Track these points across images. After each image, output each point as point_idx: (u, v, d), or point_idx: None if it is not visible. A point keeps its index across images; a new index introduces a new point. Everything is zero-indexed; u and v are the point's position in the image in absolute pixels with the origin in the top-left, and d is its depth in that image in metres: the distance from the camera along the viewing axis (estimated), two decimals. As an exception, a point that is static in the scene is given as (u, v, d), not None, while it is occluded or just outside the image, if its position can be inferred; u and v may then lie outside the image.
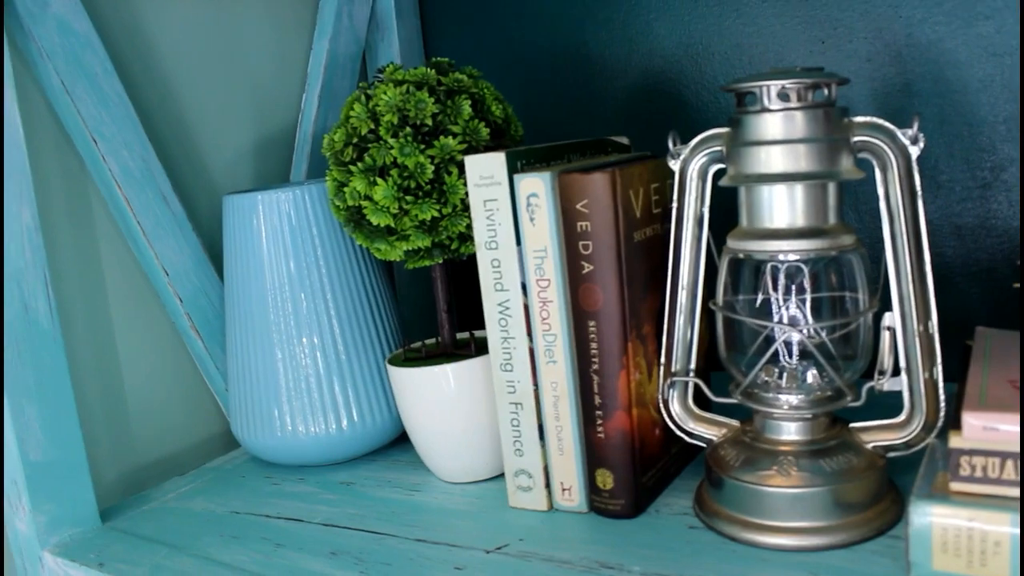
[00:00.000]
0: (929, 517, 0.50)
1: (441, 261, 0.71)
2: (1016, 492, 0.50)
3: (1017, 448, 0.50)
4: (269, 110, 0.95)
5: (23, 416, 0.67)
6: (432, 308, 0.75)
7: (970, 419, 0.51)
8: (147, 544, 0.69)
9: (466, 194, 0.66)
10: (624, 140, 0.76)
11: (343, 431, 0.77)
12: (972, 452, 0.51)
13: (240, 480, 0.81)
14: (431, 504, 0.70)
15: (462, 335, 0.78)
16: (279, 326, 0.77)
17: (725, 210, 0.63)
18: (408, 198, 0.66)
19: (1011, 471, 0.50)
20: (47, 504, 0.69)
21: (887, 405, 0.61)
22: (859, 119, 0.57)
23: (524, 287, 0.63)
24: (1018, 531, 0.48)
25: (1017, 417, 0.50)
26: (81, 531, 0.71)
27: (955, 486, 0.51)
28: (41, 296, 0.69)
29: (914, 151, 0.56)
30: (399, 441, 0.84)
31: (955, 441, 0.51)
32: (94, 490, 0.73)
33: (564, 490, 0.65)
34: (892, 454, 0.60)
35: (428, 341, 0.77)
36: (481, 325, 0.78)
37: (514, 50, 1.02)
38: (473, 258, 0.68)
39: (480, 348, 0.72)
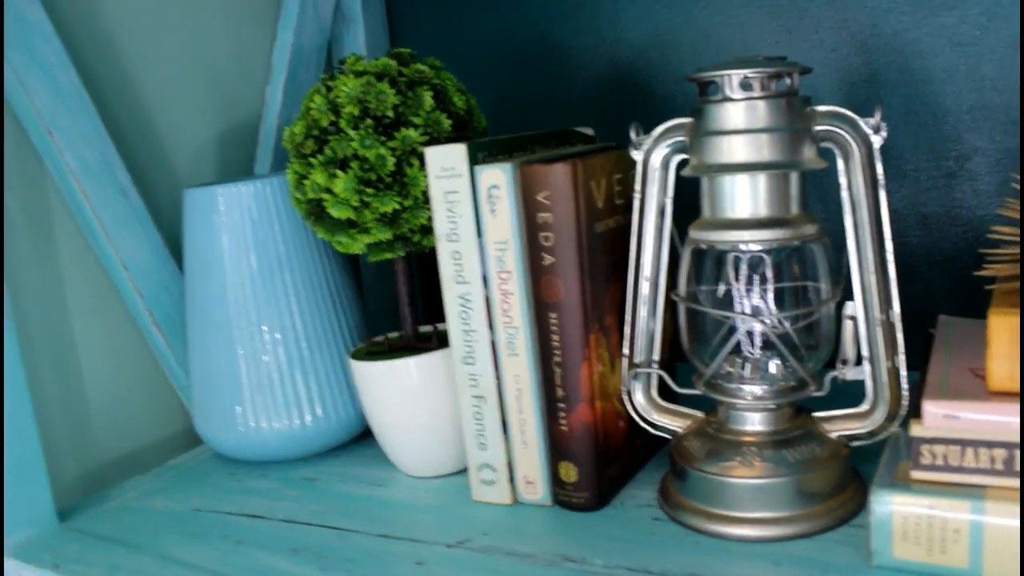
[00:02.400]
0: (890, 505, 0.50)
1: (403, 254, 0.70)
2: (977, 480, 0.50)
3: (978, 436, 0.50)
4: (232, 102, 0.94)
5: (-23, 414, 0.66)
6: (397, 302, 0.75)
7: (931, 407, 0.51)
8: (105, 544, 0.68)
9: (427, 186, 0.65)
10: (589, 131, 0.76)
11: (306, 426, 0.76)
12: (933, 440, 0.51)
13: (202, 477, 0.79)
14: (394, 499, 0.70)
15: (425, 328, 0.78)
16: (240, 321, 0.76)
17: (687, 201, 0.62)
18: (369, 191, 0.65)
19: (971, 459, 0.50)
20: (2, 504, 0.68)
21: (850, 394, 0.61)
22: (821, 108, 0.57)
23: (485, 279, 0.62)
24: (979, 518, 0.48)
25: (979, 405, 0.50)
26: (38, 532, 0.70)
27: (916, 474, 0.51)
28: (-5, 292, 0.67)
29: (876, 140, 0.56)
30: (363, 436, 0.83)
31: (916, 430, 0.51)
32: (52, 489, 0.71)
33: (528, 483, 0.64)
34: (855, 443, 0.60)
35: (391, 335, 0.77)
36: (442, 319, 0.78)
37: (481, 41, 1.01)
38: (433, 252, 0.67)
39: (443, 341, 0.71)
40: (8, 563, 0.67)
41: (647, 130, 0.61)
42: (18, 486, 0.69)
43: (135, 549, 0.66)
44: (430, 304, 0.96)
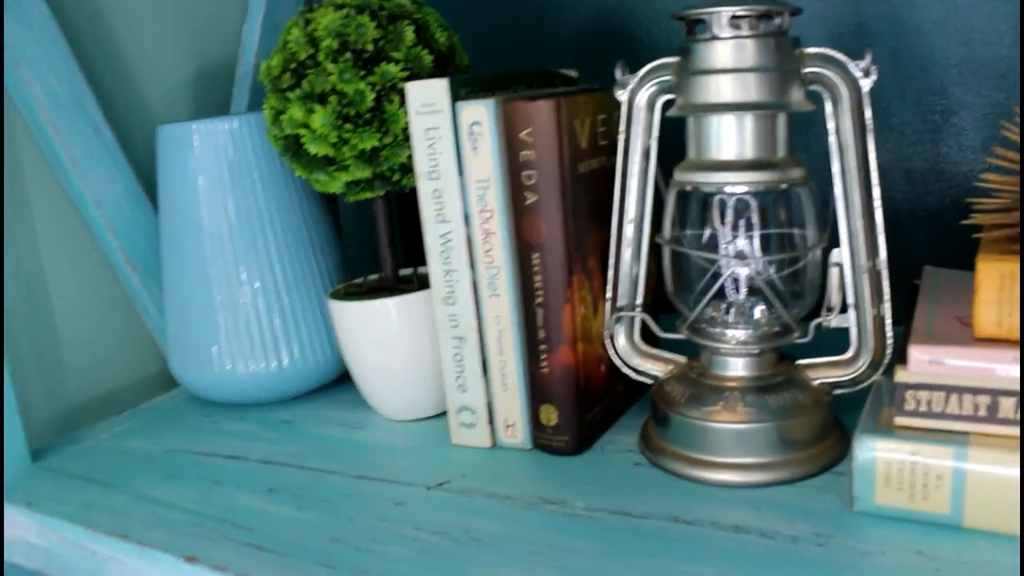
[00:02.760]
0: (873, 452, 0.50)
1: (383, 193, 0.69)
2: (960, 426, 0.50)
3: (963, 383, 0.49)
4: (208, 40, 0.91)
5: (-56, 351, 0.64)
6: (377, 245, 0.74)
7: (916, 353, 0.50)
8: (78, 483, 0.67)
9: (408, 123, 0.64)
10: (573, 73, 0.74)
11: (283, 368, 0.75)
12: (917, 386, 0.50)
13: (178, 419, 0.78)
14: (372, 441, 0.69)
15: (405, 271, 0.77)
16: (217, 261, 0.74)
17: (672, 145, 0.61)
18: (347, 126, 0.63)
19: (955, 405, 0.50)
20: (-28, 442, 0.67)
21: (834, 343, 0.60)
22: (811, 50, 0.56)
23: (467, 218, 0.61)
24: (962, 465, 0.48)
25: (964, 351, 0.49)
26: (10, 471, 0.69)
27: (900, 421, 0.51)
28: (-37, 226, 0.66)
29: (866, 84, 0.55)
30: (341, 379, 0.82)
31: (901, 375, 0.51)
32: (24, 429, 0.70)
33: (507, 427, 0.64)
34: (838, 391, 0.59)
35: (370, 277, 0.75)
36: (422, 262, 0.76)
37: (463, -19, 0.99)
38: (413, 193, 0.66)
39: (423, 284, 0.70)
40: (-23, 501, 0.66)
41: (632, 72, 0.60)
42: (-13, 424, 0.67)
43: (109, 488, 0.65)
44: (409, 247, 0.95)
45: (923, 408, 0.50)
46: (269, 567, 0.52)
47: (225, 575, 0.52)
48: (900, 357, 0.52)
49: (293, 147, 0.66)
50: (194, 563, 0.54)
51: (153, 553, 0.56)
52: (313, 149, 0.64)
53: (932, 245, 0.82)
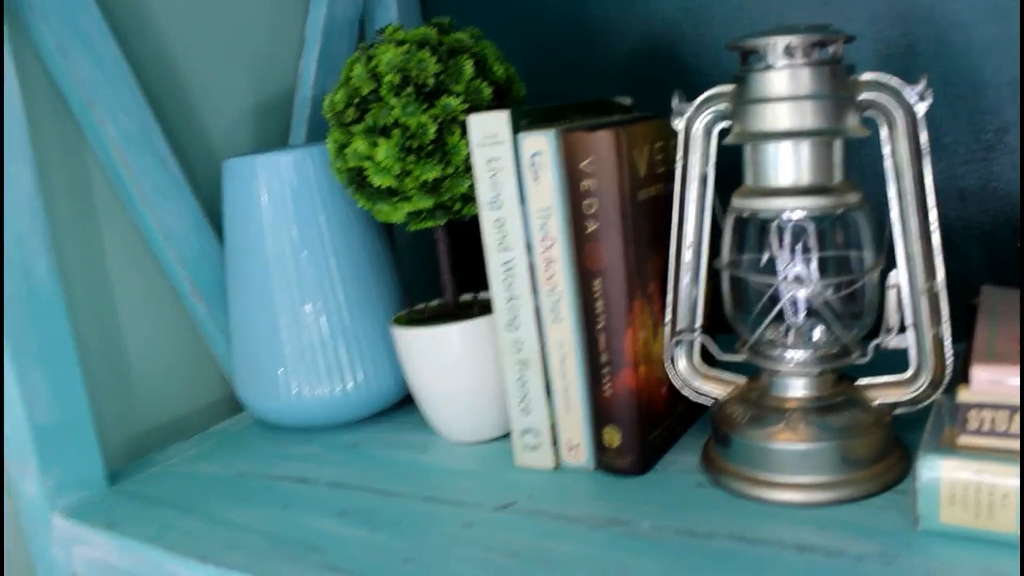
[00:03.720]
0: (938, 471, 0.51)
1: (443, 223, 0.71)
2: (1023, 445, 0.50)
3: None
4: (267, 74, 0.94)
5: (28, 379, 0.67)
6: (431, 272, 0.75)
7: (979, 373, 0.51)
8: (155, 506, 0.69)
9: (469, 154, 0.66)
10: (627, 101, 0.76)
11: (348, 393, 0.77)
12: (980, 406, 0.51)
13: (245, 443, 0.81)
14: (437, 464, 0.70)
15: (465, 297, 0.78)
16: (282, 290, 0.77)
17: (729, 171, 0.63)
18: (410, 158, 0.65)
19: (1019, 424, 0.50)
20: (55, 467, 0.69)
21: (893, 364, 0.61)
22: (865, 76, 0.57)
23: (528, 246, 0.63)
24: (1026, 483, 0.49)
25: None
26: (89, 493, 0.71)
27: (963, 440, 0.51)
28: (42, 260, 0.68)
29: (920, 108, 0.56)
30: (404, 403, 0.84)
31: (964, 395, 0.51)
32: (101, 453, 0.73)
33: (571, 448, 0.65)
34: (898, 411, 0.60)
35: (432, 303, 0.77)
36: (480, 288, 0.78)
37: (512, 14, 1.01)
38: (472, 221, 0.68)
39: (484, 310, 0.72)
40: (62, 523, 0.68)
41: (688, 100, 0.61)
42: (69, 449, 0.70)
43: (185, 511, 0.67)
44: (465, 274, 0.97)
45: (986, 427, 0.51)
46: (345, 588, 0.54)
47: (302, 596, 0.54)
48: (961, 377, 0.52)
49: (357, 179, 0.69)
50: (272, 584, 0.56)
51: (232, 575, 0.58)
52: (377, 181, 0.66)
53: (986, 263, 0.82)
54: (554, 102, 0.67)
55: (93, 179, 0.79)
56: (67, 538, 0.69)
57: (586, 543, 0.56)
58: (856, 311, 0.61)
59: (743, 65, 0.58)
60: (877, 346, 0.60)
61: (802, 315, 0.60)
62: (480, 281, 0.78)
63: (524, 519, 0.60)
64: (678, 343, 0.65)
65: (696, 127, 0.61)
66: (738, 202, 0.59)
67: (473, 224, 0.71)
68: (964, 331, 0.60)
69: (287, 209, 0.76)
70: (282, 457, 0.76)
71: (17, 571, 0.74)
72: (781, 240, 0.59)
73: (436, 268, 0.75)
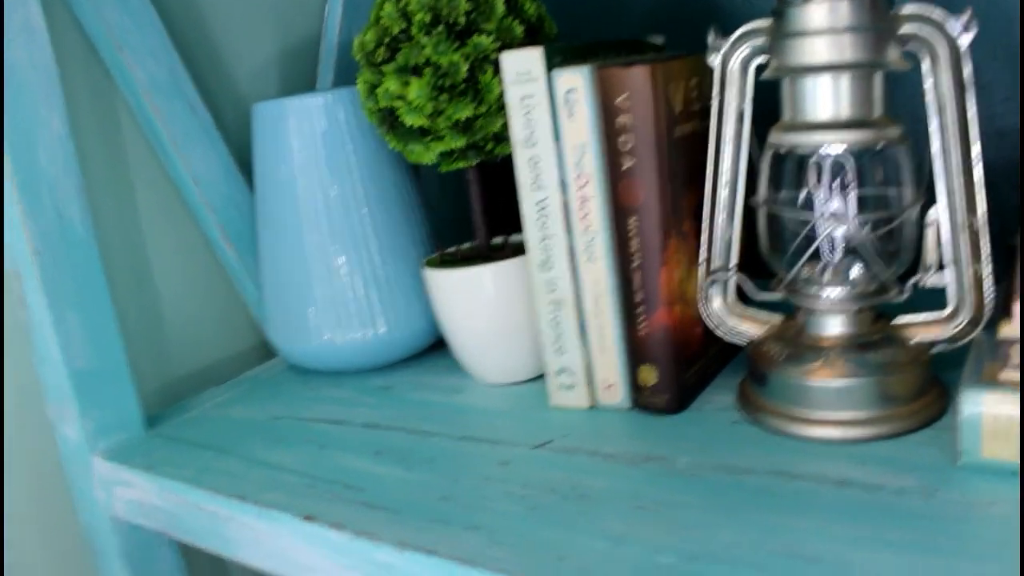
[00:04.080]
0: (980, 405, 0.50)
1: (475, 163, 0.70)
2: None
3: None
4: (292, 19, 0.94)
5: (65, 324, 0.67)
6: (462, 214, 0.75)
7: (1021, 308, 0.50)
8: (193, 448, 0.70)
9: (501, 93, 0.65)
10: (659, 40, 0.75)
11: (379, 336, 0.78)
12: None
13: (278, 387, 0.81)
14: (471, 405, 0.71)
15: (497, 239, 0.78)
16: (312, 233, 0.77)
17: (764, 110, 0.62)
18: (443, 97, 0.65)
19: (1061, 358, 0.50)
20: (94, 410, 0.70)
21: (931, 302, 0.61)
22: (907, 9, 0.56)
23: (563, 184, 0.62)
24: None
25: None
26: (127, 436, 0.72)
27: (1005, 375, 0.51)
28: (74, 204, 0.68)
29: (964, 41, 0.55)
30: (435, 347, 0.84)
31: (1005, 331, 0.51)
32: (137, 398, 0.73)
33: (606, 387, 0.65)
34: (936, 349, 0.60)
35: (463, 245, 0.77)
36: (511, 230, 0.78)
37: (540, -47, 0.99)
38: (502, 164, 0.67)
39: (515, 251, 0.72)
40: (102, 465, 0.69)
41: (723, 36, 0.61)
42: (107, 392, 0.71)
43: (222, 452, 0.68)
44: (492, 217, 0.97)
45: (1028, 362, 0.50)
46: (384, 524, 0.54)
47: (342, 533, 0.55)
48: (1002, 313, 0.52)
49: (388, 119, 0.68)
50: (312, 522, 0.56)
51: (271, 513, 0.58)
52: (409, 120, 0.66)
53: (1024, 205, 0.81)
54: (590, 41, 0.66)
55: (123, 124, 0.79)
56: (107, 480, 0.69)
57: (623, 479, 0.56)
58: (894, 248, 0.60)
59: (781, -1, 0.57)
60: (915, 284, 0.59)
61: (839, 253, 0.60)
62: (510, 224, 0.78)
63: (560, 456, 0.60)
64: (713, 282, 0.64)
65: (732, 63, 0.61)
66: (776, 137, 0.58)
67: (503, 167, 0.71)
68: (1002, 272, 0.59)
69: (317, 153, 0.76)
70: (315, 400, 0.77)
71: (59, 512, 0.75)
72: (819, 176, 0.58)
73: (465, 213, 0.75)
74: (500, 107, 0.66)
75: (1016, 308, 0.51)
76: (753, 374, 0.62)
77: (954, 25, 0.55)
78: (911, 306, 0.61)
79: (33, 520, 0.73)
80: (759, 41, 0.59)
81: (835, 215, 0.59)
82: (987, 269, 0.57)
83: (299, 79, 0.95)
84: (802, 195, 0.60)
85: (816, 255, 0.60)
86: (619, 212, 0.61)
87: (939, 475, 0.51)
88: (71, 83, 0.75)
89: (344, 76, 0.94)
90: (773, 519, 0.49)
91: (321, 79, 0.95)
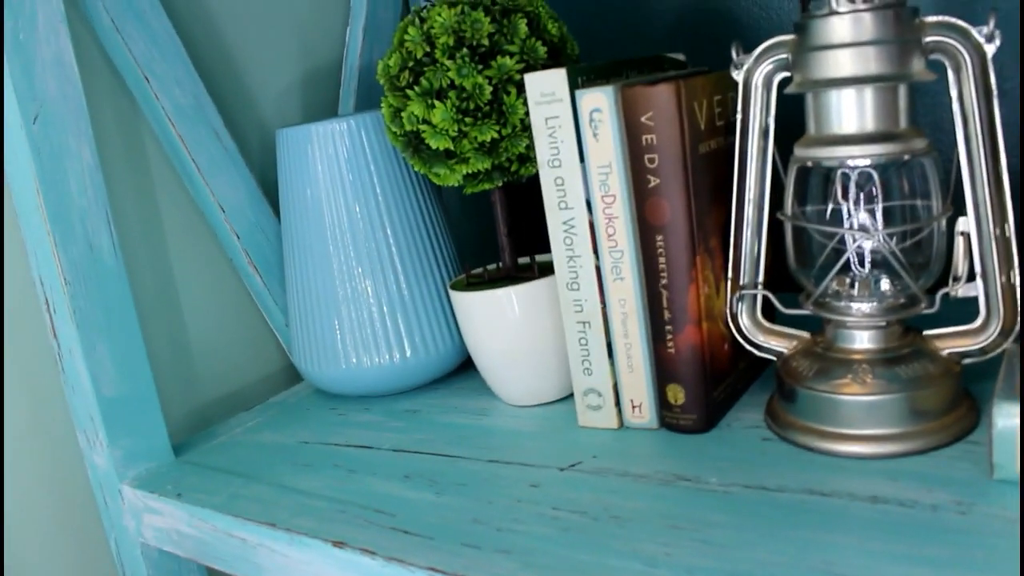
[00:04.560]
0: (1015, 418, 0.50)
1: (500, 184, 0.71)
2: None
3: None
4: (314, 45, 0.94)
5: (95, 353, 0.68)
6: (484, 236, 0.75)
7: (1055, 317, 0.50)
8: (221, 475, 0.70)
9: (526, 114, 0.65)
10: (680, 57, 0.75)
11: (406, 360, 0.78)
12: (1057, 351, 0.50)
13: (305, 412, 0.81)
14: (499, 427, 0.71)
15: (523, 260, 0.78)
16: (338, 258, 0.77)
17: (788, 124, 0.62)
18: (467, 120, 0.65)
19: (1098, 369, 0.49)
20: (123, 439, 0.70)
21: (961, 314, 0.60)
22: (931, 19, 0.56)
23: (589, 204, 0.62)
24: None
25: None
26: (156, 464, 0.73)
27: (1039, 387, 0.50)
28: (104, 234, 0.69)
29: (990, 49, 0.55)
30: (461, 370, 0.84)
31: (1039, 341, 0.50)
32: (166, 426, 0.74)
33: (634, 407, 0.65)
34: (967, 360, 0.59)
35: (489, 266, 0.77)
36: (534, 251, 0.78)
37: (559, -26, 1.00)
38: (525, 184, 0.67)
39: (541, 272, 0.72)
40: (134, 493, 0.69)
41: (745, 52, 0.61)
42: (136, 420, 0.71)
43: (251, 479, 0.68)
44: (517, 238, 0.97)
45: (1065, 373, 0.50)
46: (416, 549, 0.54)
47: (374, 558, 0.54)
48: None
49: (413, 143, 0.68)
50: (343, 547, 0.56)
51: (302, 539, 0.58)
52: (434, 143, 0.66)
53: (1051, 212, 0.80)
54: (612, 60, 0.66)
55: (150, 153, 0.80)
56: (137, 508, 0.70)
57: (655, 499, 0.55)
58: (923, 260, 0.60)
59: (804, 12, 0.57)
60: (945, 295, 0.59)
61: (868, 266, 0.59)
62: (536, 244, 0.78)
63: (590, 478, 0.59)
64: (741, 298, 0.64)
65: (756, 78, 0.60)
66: (801, 151, 0.58)
67: (527, 188, 0.71)
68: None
69: (342, 177, 0.77)
70: (343, 425, 0.77)
71: (90, 541, 0.75)
72: (845, 189, 0.58)
73: (489, 235, 0.75)
74: (524, 128, 0.66)
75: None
76: (782, 390, 0.62)
77: (979, 33, 0.54)
78: (942, 319, 0.60)
79: (65, 548, 0.74)
80: (782, 55, 0.59)
81: (863, 228, 0.58)
82: (1018, 279, 0.56)
83: (322, 103, 0.95)
84: (829, 209, 0.59)
85: (844, 269, 0.60)
86: (646, 230, 0.61)
87: (974, 490, 0.51)
88: (99, 113, 0.76)
89: (366, 100, 0.95)
90: (808, 536, 0.49)
91: (343, 103, 0.95)
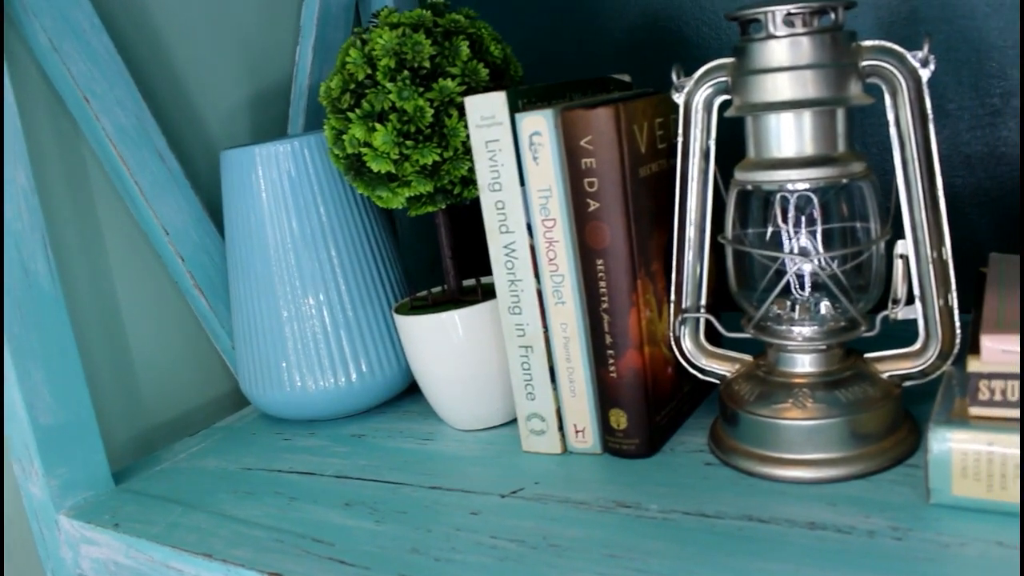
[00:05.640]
0: (948, 443, 0.50)
1: (444, 207, 0.70)
2: (1036, 414, 0.49)
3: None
4: (262, 64, 0.93)
5: (30, 380, 0.67)
6: (433, 259, 0.74)
7: (988, 342, 0.50)
8: (161, 503, 0.68)
9: (467, 137, 0.65)
10: (626, 78, 0.75)
11: (352, 384, 0.77)
12: (991, 376, 0.50)
13: (251, 437, 0.80)
14: (444, 452, 0.70)
15: (468, 282, 0.78)
16: (283, 281, 0.76)
17: (730, 146, 0.62)
18: (408, 143, 0.64)
19: (1031, 393, 0.49)
20: (60, 468, 0.69)
21: (901, 336, 0.60)
22: (867, 43, 0.56)
23: (529, 228, 0.62)
24: (1040, 453, 0.48)
25: (1036, 338, 0.49)
26: (95, 493, 0.71)
27: (974, 411, 0.51)
28: (40, 258, 0.68)
29: (924, 74, 0.55)
30: (408, 392, 0.83)
31: (974, 365, 0.50)
32: (106, 453, 0.72)
33: (578, 432, 0.64)
34: (908, 383, 0.59)
35: (434, 289, 0.76)
36: (482, 272, 0.77)
37: (509, -7, 1.00)
38: (473, 206, 0.67)
39: (486, 294, 0.71)
40: (70, 524, 0.68)
41: (687, 74, 0.61)
42: (73, 449, 0.70)
43: (191, 508, 0.67)
44: (464, 260, 0.96)
45: (997, 397, 0.50)
46: (352, 579, 0.53)
47: (310, 588, 0.54)
48: (971, 347, 0.51)
49: (355, 165, 0.68)
50: (278, 578, 0.55)
51: (238, 571, 0.57)
52: (376, 166, 0.65)
53: (994, 230, 0.81)
54: (552, 82, 0.66)
55: (91, 175, 0.79)
56: (74, 538, 0.68)
57: (594, 527, 0.55)
58: (863, 283, 0.60)
59: (743, 36, 0.57)
60: (885, 318, 0.59)
61: (808, 289, 0.59)
62: (483, 266, 0.77)
63: (531, 505, 0.59)
64: (683, 321, 0.64)
65: (696, 101, 0.60)
66: (741, 175, 0.58)
67: (474, 208, 0.71)
68: (973, 300, 0.59)
69: (286, 199, 0.76)
70: (288, 450, 0.76)
71: (26, 571, 0.73)
72: (785, 213, 0.58)
73: (437, 255, 0.75)
74: (466, 150, 0.66)
75: (985, 341, 0.50)
76: (724, 414, 0.61)
77: (914, 58, 0.55)
78: (883, 341, 0.60)
79: (1, 579, 0.72)
80: (722, 79, 0.59)
81: (802, 251, 0.58)
82: (955, 301, 0.57)
83: (270, 124, 0.94)
84: (769, 232, 0.59)
85: (785, 292, 0.60)
86: (586, 254, 0.60)
87: (911, 514, 0.51)
88: (37, 134, 0.74)
89: (315, 120, 0.94)
90: (745, 565, 0.49)
91: (292, 123, 0.95)
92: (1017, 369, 0.49)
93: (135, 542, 0.64)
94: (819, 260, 0.58)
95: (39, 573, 0.74)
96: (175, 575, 0.61)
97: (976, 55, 0.78)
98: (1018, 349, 0.49)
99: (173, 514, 0.66)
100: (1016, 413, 0.49)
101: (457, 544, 0.55)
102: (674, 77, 0.61)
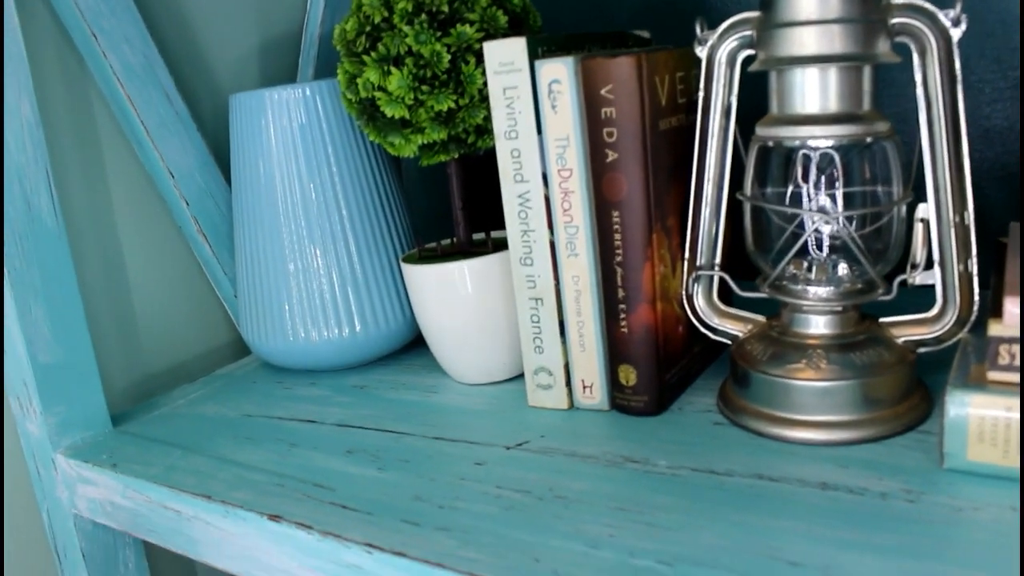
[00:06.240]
0: (966, 407, 0.49)
1: (457, 156, 0.69)
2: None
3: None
4: (273, 11, 0.92)
5: (30, 316, 0.65)
6: (441, 212, 0.73)
7: (1011, 306, 0.49)
8: (160, 446, 0.68)
9: (484, 84, 0.64)
10: (645, 34, 0.73)
11: (356, 335, 0.76)
12: (1011, 340, 0.49)
13: (251, 385, 0.79)
14: (448, 405, 0.69)
15: (478, 236, 0.76)
16: (289, 229, 0.75)
17: (751, 104, 0.60)
18: (424, 88, 0.63)
19: (1052, 359, 0.48)
20: (58, 406, 0.68)
21: (918, 302, 0.59)
22: (898, 0, 0.55)
23: (545, 178, 0.61)
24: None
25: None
26: (92, 434, 0.70)
27: (992, 376, 0.50)
28: (44, 193, 0.66)
29: (955, 33, 0.54)
30: (412, 346, 0.82)
31: (995, 329, 0.49)
32: (104, 395, 0.71)
33: (585, 387, 0.64)
34: (923, 349, 0.58)
35: (443, 241, 0.75)
36: (491, 227, 0.76)
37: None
38: (483, 158, 0.66)
39: (496, 247, 0.70)
40: (67, 463, 0.67)
41: (711, 28, 0.59)
42: (72, 388, 0.69)
43: (190, 451, 0.66)
44: (473, 213, 0.95)
45: (1016, 362, 0.49)
46: (354, 525, 0.52)
47: (310, 533, 0.53)
48: (992, 311, 0.50)
49: (368, 110, 0.66)
50: (278, 521, 0.54)
51: (237, 512, 0.56)
52: (389, 111, 0.64)
53: (1012, 205, 0.80)
54: (575, 33, 0.65)
55: (97, 113, 0.77)
56: (71, 478, 0.67)
57: (601, 480, 0.54)
58: (881, 246, 0.59)
59: (769, -11, 0.56)
60: (903, 282, 0.58)
61: (826, 250, 0.58)
62: (493, 220, 0.76)
63: (537, 457, 0.58)
64: (697, 279, 0.63)
65: (719, 55, 0.59)
66: (762, 131, 0.57)
67: (485, 163, 0.69)
68: (989, 273, 0.58)
69: (296, 146, 0.74)
70: (288, 399, 0.75)
71: (21, 510, 0.73)
72: (806, 171, 0.57)
73: (446, 209, 0.73)
74: (483, 99, 0.65)
75: (1008, 305, 0.49)
76: (735, 374, 0.60)
77: (946, 17, 0.53)
78: (899, 306, 0.59)
79: (-5, 518, 0.71)
80: (746, 33, 0.58)
81: (822, 211, 0.57)
82: (975, 267, 0.56)
83: (280, 71, 0.93)
84: (789, 191, 0.58)
85: (802, 252, 0.59)
86: (602, 206, 0.59)
87: (924, 479, 0.50)
88: (42, 70, 0.73)
89: (325, 69, 0.93)
90: (755, 521, 0.48)
91: (302, 71, 0.93)
92: (1039, 334, 0.48)
93: (133, 482, 0.63)
94: (839, 220, 0.57)
95: (35, 513, 0.73)
96: (173, 516, 0.61)
97: (1002, 27, 0.77)
98: (1040, 314, 0.48)
99: (171, 457, 0.65)
100: (1035, 379, 0.49)
101: (461, 493, 0.55)
102: (698, 30, 0.59)
